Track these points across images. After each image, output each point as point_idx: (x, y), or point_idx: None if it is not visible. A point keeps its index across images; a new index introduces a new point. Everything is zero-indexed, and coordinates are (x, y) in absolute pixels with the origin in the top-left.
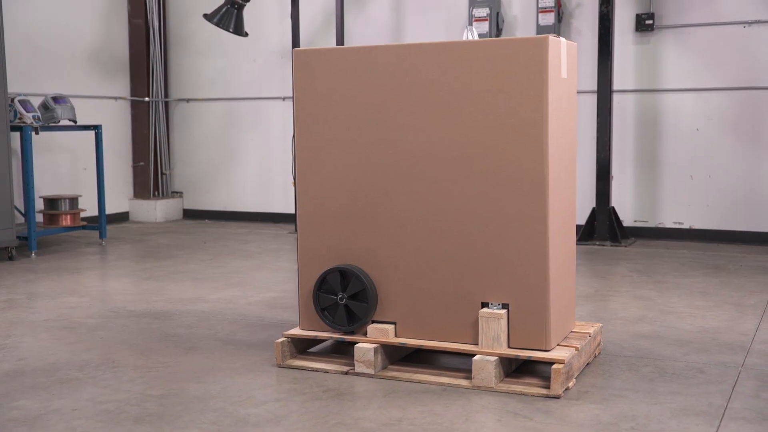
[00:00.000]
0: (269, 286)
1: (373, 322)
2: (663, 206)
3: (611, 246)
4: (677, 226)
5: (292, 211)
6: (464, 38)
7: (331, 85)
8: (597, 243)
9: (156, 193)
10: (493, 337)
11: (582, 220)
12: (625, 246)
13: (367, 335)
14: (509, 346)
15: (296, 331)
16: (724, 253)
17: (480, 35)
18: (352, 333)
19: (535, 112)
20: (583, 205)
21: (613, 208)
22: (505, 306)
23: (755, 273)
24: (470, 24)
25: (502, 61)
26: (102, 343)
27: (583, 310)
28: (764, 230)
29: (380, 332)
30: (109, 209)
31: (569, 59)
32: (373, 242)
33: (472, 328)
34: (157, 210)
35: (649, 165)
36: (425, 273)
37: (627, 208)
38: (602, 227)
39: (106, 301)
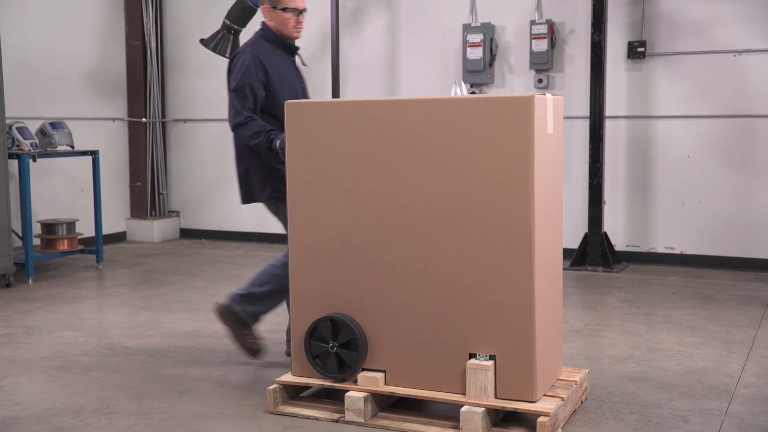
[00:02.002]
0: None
1: (363, 369)
2: (655, 231)
3: (603, 272)
4: (669, 251)
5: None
6: (453, 92)
7: (323, 137)
8: (589, 268)
9: (153, 212)
10: (480, 388)
11: (574, 244)
12: (617, 272)
13: (358, 383)
14: (496, 397)
15: (288, 378)
16: (714, 280)
17: (474, 60)
18: (342, 380)
19: (521, 169)
20: (576, 230)
21: (605, 233)
22: (492, 357)
23: (743, 304)
24: (460, 83)
25: (489, 118)
26: (97, 385)
27: (572, 348)
28: (753, 256)
29: (370, 381)
30: (107, 229)
31: (555, 113)
32: (363, 291)
33: (460, 377)
34: (154, 230)
35: (641, 190)
36: (415, 322)
37: (619, 232)
38: (594, 252)
39: (101, 336)
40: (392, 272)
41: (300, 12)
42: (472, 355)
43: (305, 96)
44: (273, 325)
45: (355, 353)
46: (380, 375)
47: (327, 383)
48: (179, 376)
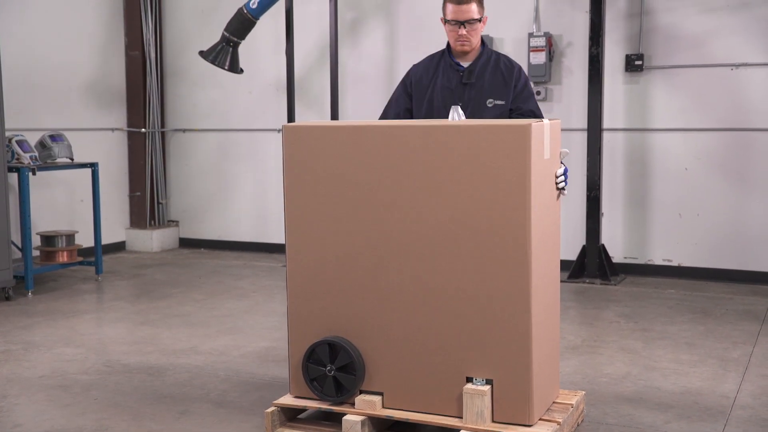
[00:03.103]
0: (261, 334)
1: (361, 391)
2: (652, 243)
3: (601, 284)
4: (666, 263)
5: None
6: (450, 118)
7: (321, 160)
8: (587, 281)
9: (152, 222)
10: (476, 413)
11: (572, 256)
12: (615, 284)
13: (355, 406)
14: (493, 421)
15: (286, 400)
16: (711, 293)
17: None
18: (340, 403)
19: (518, 195)
20: (574, 242)
21: (603, 245)
22: (489, 382)
23: (740, 318)
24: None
25: (486, 146)
26: (96, 405)
27: (569, 365)
28: (750, 269)
29: (368, 404)
30: (106, 239)
31: (552, 138)
32: (361, 314)
33: (457, 401)
34: (153, 239)
35: (639, 203)
36: (412, 346)
37: (617, 244)
38: (592, 265)
39: (100, 353)
40: (390, 295)
41: (461, 24)
42: (469, 379)
43: (470, 112)
44: (271, 341)
45: (352, 377)
46: (377, 398)
47: (325, 406)
48: (177, 395)
